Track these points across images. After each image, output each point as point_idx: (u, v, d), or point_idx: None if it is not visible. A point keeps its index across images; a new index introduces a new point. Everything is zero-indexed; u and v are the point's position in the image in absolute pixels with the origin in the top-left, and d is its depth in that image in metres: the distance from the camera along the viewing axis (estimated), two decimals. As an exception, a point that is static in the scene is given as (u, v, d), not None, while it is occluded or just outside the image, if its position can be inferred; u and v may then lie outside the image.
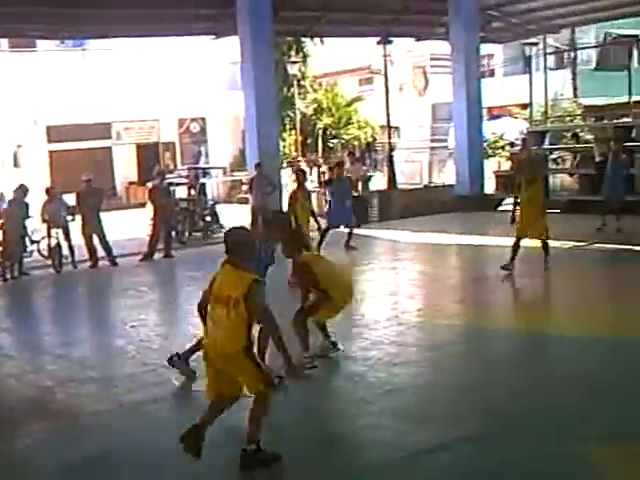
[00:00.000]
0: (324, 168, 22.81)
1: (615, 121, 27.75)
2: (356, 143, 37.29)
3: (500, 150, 31.97)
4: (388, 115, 25.36)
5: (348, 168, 22.02)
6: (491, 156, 31.15)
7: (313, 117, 37.18)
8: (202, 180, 23.46)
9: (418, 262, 15.55)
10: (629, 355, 8.17)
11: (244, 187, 27.27)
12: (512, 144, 28.69)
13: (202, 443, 5.71)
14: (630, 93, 25.80)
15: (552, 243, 13.18)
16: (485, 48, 32.82)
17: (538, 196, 12.55)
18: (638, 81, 26.55)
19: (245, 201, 23.04)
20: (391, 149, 26.79)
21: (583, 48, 37.90)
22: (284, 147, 33.43)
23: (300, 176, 15.92)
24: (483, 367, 8.23)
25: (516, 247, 12.48)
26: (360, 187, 21.84)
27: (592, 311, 10.16)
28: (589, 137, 27.51)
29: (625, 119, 27.16)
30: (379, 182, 28.74)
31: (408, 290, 12.81)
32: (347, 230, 16.70)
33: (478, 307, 11.04)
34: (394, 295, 12.30)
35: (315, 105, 37.62)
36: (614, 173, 16.68)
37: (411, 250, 16.93)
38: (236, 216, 22.68)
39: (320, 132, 36.82)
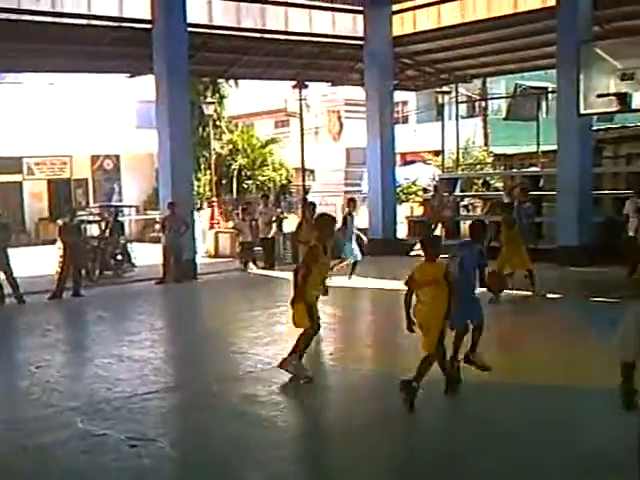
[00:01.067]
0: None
1: (524, 170, 28.60)
2: (271, 185, 37.41)
3: (413, 195, 32.51)
4: (303, 158, 25.56)
5: (261, 210, 22.05)
6: (404, 201, 31.64)
7: (228, 158, 37.21)
8: (119, 218, 23.12)
9: (330, 305, 15.49)
10: (517, 400, 8.30)
11: (157, 226, 27.00)
12: (425, 190, 29.21)
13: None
14: (538, 143, 26.59)
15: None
16: (399, 95, 33.49)
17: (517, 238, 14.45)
18: (546, 131, 27.37)
19: (158, 240, 22.79)
20: (305, 192, 26.95)
21: (494, 98, 39.01)
22: (198, 187, 33.30)
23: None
24: (391, 411, 8.24)
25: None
26: (274, 229, 21.84)
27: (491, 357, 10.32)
28: (499, 185, 28.24)
29: (533, 168, 27.99)
30: (293, 224, 28.82)
31: (320, 333, 12.77)
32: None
33: (389, 351, 11.10)
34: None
35: (230, 146, 37.68)
36: (520, 221, 17.02)
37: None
38: (148, 255, 22.50)
39: (235, 173, 36.84)
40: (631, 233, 16.44)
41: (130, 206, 31.63)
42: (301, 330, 9.44)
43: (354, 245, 17.87)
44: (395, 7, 23.26)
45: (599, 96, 15.86)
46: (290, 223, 29.34)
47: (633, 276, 15.43)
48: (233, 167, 36.97)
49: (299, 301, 9.23)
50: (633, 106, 15.97)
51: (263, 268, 21.20)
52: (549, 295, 14.74)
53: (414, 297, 8.09)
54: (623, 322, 4.50)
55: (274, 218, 22.08)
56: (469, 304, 8.52)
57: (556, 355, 10.24)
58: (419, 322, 8.05)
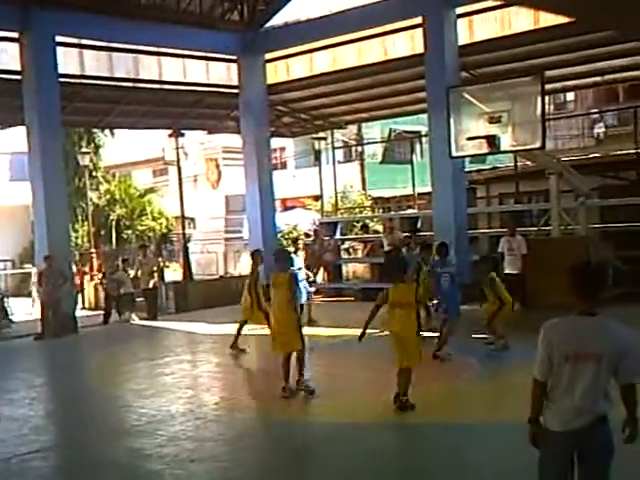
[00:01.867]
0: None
1: (401, 212, 29.22)
2: (151, 234, 37.02)
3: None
4: (182, 206, 25.42)
5: (141, 260, 21.80)
6: (285, 247, 31.77)
7: (106, 208, 36.71)
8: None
9: (215, 354, 15.46)
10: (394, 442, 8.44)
11: (33, 279, 26.28)
12: (306, 234, 29.44)
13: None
14: (414, 185, 27.17)
15: (346, 331, 13.53)
16: (277, 141, 33.79)
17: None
18: (421, 173, 28.07)
19: (33, 294, 22.21)
20: (186, 240, 26.81)
21: (369, 143, 39.79)
22: (76, 238, 32.66)
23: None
24: (279, 459, 8.25)
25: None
26: (155, 278, 21.60)
27: (374, 397, 10.45)
28: (378, 227, 28.75)
29: (410, 210, 28.62)
30: (175, 273, 28.59)
31: (205, 383, 12.69)
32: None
33: (276, 398, 11.08)
34: (190, 389, 12.11)
35: (108, 196, 37.19)
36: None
37: (208, 342, 16.82)
38: (26, 310, 21.88)
39: (113, 223, 36.33)
40: (507, 270, 16.95)
41: (5, 260, 30.70)
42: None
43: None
44: (268, 55, 23.52)
45: (469, 139, 16.44)
46: (172, 272, 29.13)
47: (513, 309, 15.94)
48: (111, 217, 36.48)
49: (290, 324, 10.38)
50: (502, 148, 16.60)
51: (145, 319, 20.90)
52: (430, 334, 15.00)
53: (389, 315, 9.25)
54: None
55: (155, 268, 21.85)
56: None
57: (457, 391, 10.45)
58: (395, 339, 9.19)
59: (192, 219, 38.57)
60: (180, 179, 25.67)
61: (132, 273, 22.24)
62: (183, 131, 25.96)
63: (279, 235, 28.58)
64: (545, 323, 4.79)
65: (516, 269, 17.04)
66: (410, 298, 9.11)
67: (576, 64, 21.52)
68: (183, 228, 26.35)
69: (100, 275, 26.75)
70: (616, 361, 4.51)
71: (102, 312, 22.40)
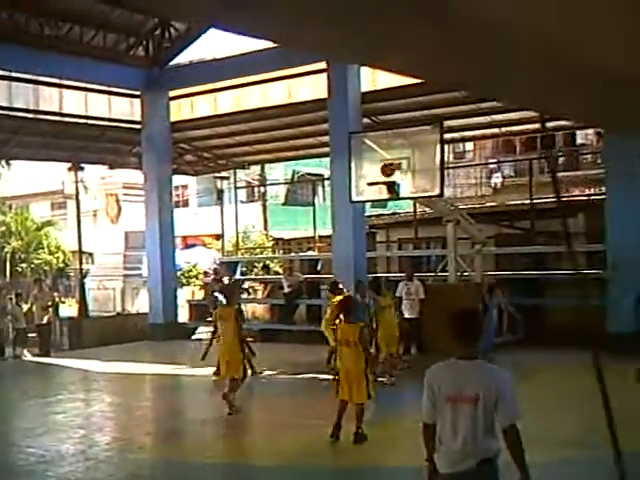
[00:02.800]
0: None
1: (302, 254, 29.36)
2: (47, 268, 36.24)
3: (194, 279, 32.48)
4: (80, 240, 25.02)
5: (35, 294, 21.32)
6: (185, 285, 31.55)
7: (1, 240, 35.79)
8: None
9: (109, 393, 15.23)
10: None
11: None
12: (205, 273, 29.31)
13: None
14: (315, 227, 27.39)
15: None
16: (179, 179, 33.67)
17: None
18: (323, 216, 28.31)
19: None
20: (83, 275, 26.36)
21: (272, 184, 39.98)
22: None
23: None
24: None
25: None
26: (50, 313, 21.11)
27: (284, 439, 10.47)
28: (279, 269, 28.83)
29: (311, 252, 28.81)
30: (71, 309, 28.03)
31: (97, 422, 12.47)
32: None
33: (171, 438, 10.98)
34: (83, 428, 11.88)
35: (3, 228, 36.31)
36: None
37: (102, 380, 16.54)
38: None
39: (8, 256, 35.45)
40: (406, 314, 17.22)
41: None
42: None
43: None
44: (173, 93, 23.49)
45: (370, 184, 16.71)
46: (68, 307, 28.53)
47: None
48: (6, 250, 35.58)
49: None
50: (401, 194, 16.91)
51: (38, 355, 20.39)
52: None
53: (338, 352, 10.11)
54: (510, 386, 4.83)
55: (50, 303, 21.38)
56: None
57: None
58: (344, 377, 9.77)
59: (90, 254, 37.95)
60: (79, 213, 25.29)
61: (25, 308, 21.72)
62: (83, 165, 25.59)
63: (179, 273, 28.37)
64: (428, 368, 4.95)
65: (414, 313, 17.35)
66: (355, 337, 9.74)
67: (475, 115, 22.19)
68: (80, 263, 25.90)
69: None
70: (493, 403, 4.66)
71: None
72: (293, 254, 31.88)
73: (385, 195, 16.96)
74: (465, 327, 4.90)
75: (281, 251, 35.10)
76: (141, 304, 29.55)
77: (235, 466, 9.44)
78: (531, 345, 16.81)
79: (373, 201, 23.33)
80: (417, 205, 22.88)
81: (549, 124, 21.87)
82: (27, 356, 20.46)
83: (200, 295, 27.80)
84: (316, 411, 11.82)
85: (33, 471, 9.17)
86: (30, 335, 21.21)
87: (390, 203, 31.96)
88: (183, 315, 24.87)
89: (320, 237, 27.99)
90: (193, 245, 38.62)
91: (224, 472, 9.29)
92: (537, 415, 10.99)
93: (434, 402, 4.82)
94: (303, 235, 33.90)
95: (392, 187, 16.40)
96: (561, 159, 36.21)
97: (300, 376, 15.41)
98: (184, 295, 27.90)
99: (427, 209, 21.75)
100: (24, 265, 35.87)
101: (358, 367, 9.67)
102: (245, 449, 10.43)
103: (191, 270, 33.32)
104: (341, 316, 10.24)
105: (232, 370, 11.47)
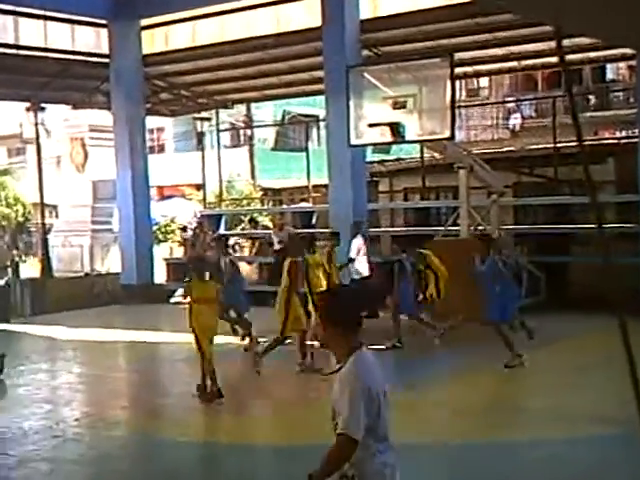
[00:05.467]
0: None
1: (294, 206, 29.37)
2: (5, 223, 36.22)
3: (172, 235, 32.50)
4: (42, 191, 24.95)
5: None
6: (162, 241, 31.57)
7: (-50, 192, 35.76)
8: None
9: (77, 363, 15.31)
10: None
11: None
12: (185, 228, 29.30)
13: None
14: (309, 176, 27.33)
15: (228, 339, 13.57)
16: (153, 121, 33.52)
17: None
18: (317, 163, 28.26)
19: None
20: (46, 231, 26.33)
21: (260, 126, 39.87)
22: None
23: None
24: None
25: None
26: (9, 274, 21.14)
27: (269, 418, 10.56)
28: (268, 223, 28.84)
29: (304, 204, 28.81)
30: (32, 269, 28.06)
31: (65, 396, 12.54)
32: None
33: (147, 413, 11.05)
34: (48, 402, 11.96)
35: (-48, 178, 36.24)
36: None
37: (70, 349, 16.60)
38: None
39: (-41, 210, 35.43)
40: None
41: None
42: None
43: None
44: (144, 22, 23.19)
45: (371, 125, 16.67)
46: (29, 267, 28.54)
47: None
48: (-44, 203, 35.54)
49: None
50: (407, 137, 16.88)
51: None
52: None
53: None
54: (348, 389, 4.16)
55: (8, 262, 21.42)
56: None
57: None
58: (201, 333, 10.98)
59: (54, 207, 37.86)
60: (39, 160, 25.19)
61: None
62: (44, 105, 25.41)
63: (154, 228, 28.37)
64: (356, 363, 4.27)
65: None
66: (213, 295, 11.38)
67: (491, 46, 22.04)
68: (42, 217, 25.85)
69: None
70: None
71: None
72: (284, 206, 31.93)
73: (388, 138, 16.93)
74: (354, 308, 4.43)
75: (270, 203, 35.10)
76: (112, 263, 29.58)
77: (217, 445, 9.52)
78: (554, 308, 16.89)
79: (375, 145, 23.25)
80: (425, 150, 22.83)
81: (574, 56, 21.75)
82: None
83: (179, 252, 27.84)
84: (309, 385, 11.92)
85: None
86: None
87: (394, 147, 31.92)
88: (160, 275, 24.92)
89: (315, 187, 27.96)
90: (170, 196, 38.60)
91: (205, 451, 9.37)
92: (560, 388, 11.14)
93: (378, 405, 4.22)
94: (295, 184, 33.91)
95: (396, 129, 16.36)
96: (589, 97, 36.12)
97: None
98: (161, 253, 27.92)
99: (436, 154, 21.71)
100: (-21, 220, 35.90)
101: (217, 325, 11.37)
102: (226, 426, 10.51)
103: (168, 225, 33.30)
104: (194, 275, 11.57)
105: (298, 324, 12.55)
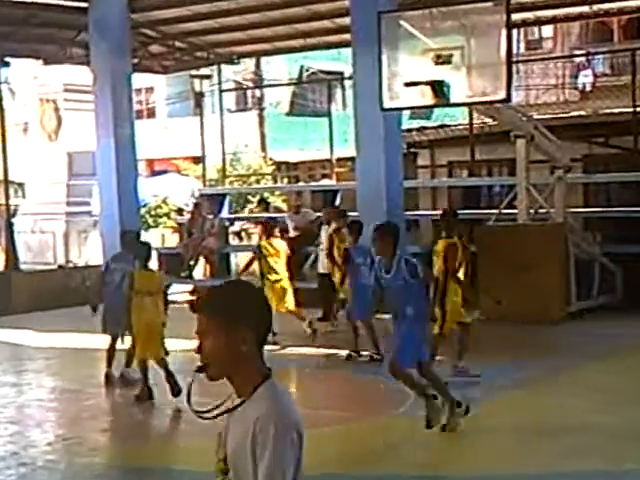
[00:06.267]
0: None
1: (314, 184, 29.33)
2: (-40, 204, 36.37)
3: (164, 218, 32.58)
4: (6, 165, 25.04)
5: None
6: (152, 227, 31.65)
7: None
8: None
9: (50, 375, 15.40)
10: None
11: None
12: (180, 211, 29.37)
13: None
14: (332, 147, 27.26)
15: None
16: (142, 79, 33.55)
17: None
18: (342, 131, 28.22)
19: None
20: (11, 214, 26.43)
21: (272, 86, 39.87)
22: None
23: None
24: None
25: None
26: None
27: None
28: (282, 204, 28.84)
29: (326, 181, 28.76)
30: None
31: (34, 415, 12.64)
32: None
33: (131, 436, 11.11)
34: (14, 423, 12.04)
35: None
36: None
37: (40, 358, 16.69)
38: None
39: None
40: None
41: None
42: None
43: None
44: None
45: (408, 85, 16.60)
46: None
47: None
48: None
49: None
50: (452, 99, 16.81)
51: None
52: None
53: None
54: (271, 449, 3.50)
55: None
56: None
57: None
58: (140, 329, 12.26)
59: (20, 184, 37.99)
60: (3, 127, 25.28)
61: None
62: (8, 59, 25.52)
63: (143, 210, 28.44)
64: (280, 405, 3.63)
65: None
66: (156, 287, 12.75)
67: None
68: (7, 197, 25.94)
69: None
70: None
71: None
72: (301, 183, 31.90)
73: (429, 100, 16.86)
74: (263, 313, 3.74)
75: (285, 179, 35.14)
76: (91, 253, 29.69)
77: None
78: (632, 311, 16.83)
79: (412, 108, 23.23)
80: (474, 114, 22.78)
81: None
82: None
83: (173, 240, 27.89)
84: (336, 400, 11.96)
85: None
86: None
87: (437, 112, 31.87)
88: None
89: (339, 160, 27.93)
90: (163, 172, 38.71)
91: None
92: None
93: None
94: (315, 157, 33.88)
95: (439, 89, 16.30)
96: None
97: (313, 350, 15.54)
98: (151, 241, 28.00)
99: (488, 120, 21.65)
100: None
101: (159, 319, 12.39)
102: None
103: (160, 206, 33.38)
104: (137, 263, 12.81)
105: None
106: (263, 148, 38.63)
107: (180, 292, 23.25)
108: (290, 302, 16.05)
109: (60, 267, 28.39)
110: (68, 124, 38.74)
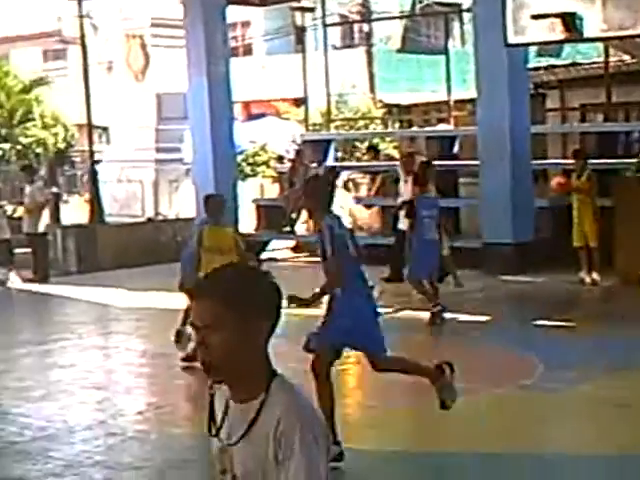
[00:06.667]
0: None
1: (429, 129, 29.17)
2: (40, 150, 36.91)
3: (263, 167, 32.70)
4: (89, 109, 25.27)
5: (25, 190, 21.77)
6: (249, 176, 31.79)
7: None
8: None
9: (140, 338, 15.56)
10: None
11: None
12: (280, 158, 29.44)
13: None
14: (449, 88, 27.11)
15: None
16: (237, 12, 33.59)
17: None
18: (460, 70, 28.03)
19: None
20: (95, 161, 26.73)
21: (381, 19, 39.62)
22: None
23: None
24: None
25: None
26: (47, 218, 21.52)
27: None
28: (393, 151, 28.76)
29: (443, 126, 28.60)
30: (78, 212, 28.58)
31: (122, 381, 12.82)
32: None
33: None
34: (100, 389, 12.24)
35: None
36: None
37: (129, 319, 16.93)
38: None
39: (-21, 132, 36.24)
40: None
41: None
42: None
43: None
44: None
45: (535, 17, 16.41)
46: (74, 209, 29.10)
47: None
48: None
49: None
50: (585, 33, 16.58)
51: (31, 281, 20.92)
52: (467, 317, 15.17)
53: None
54: (302, 443, 3.38)
55: (45, 202, 21.77)
56: None
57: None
58: None
59: (104, 129, 38.46)
60: (86, 66, 25.49)
61: (9, 210, 22.24)
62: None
63: (239, 158, 28.57)
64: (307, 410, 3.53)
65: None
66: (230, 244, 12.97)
67: None
68: (90, 143, 26.23)
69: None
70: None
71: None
72: (415, 128, 31.75)
73: (560, 35, 16.65)
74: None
75: (396, 124, 34.99)
76: (182, 205, 29.96)
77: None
78: None
79: (541, 44, 22.94)
80: (611, 51, 22.45)
81: None
82: (14, 282, 20.99)
83: (273, 191, 27.97)
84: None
85: (27, 451, 9.47)
86: (18, 251, 21.71)
87: (567, 48, 31.42)
88: (247, 222, 25.10)
89: (457, 102, 27.77)
90: (261, 115, 38.75)
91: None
92: None
93: None
94: (430, 99, 33.68)
95: (571, 21, 16.08)
96: None
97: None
98: (249, 192, 28.11)
99: (626, 57, 21.34)
100: (5, 146, 36.55)
101: None
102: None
103: (258, 154, 33.50)
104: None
105: None
106: (372, 89, 38.45)
107: (281, 248, 23.32)
108: None
109: (149, 220, 28.73)
110: (156, 62, 39.08)
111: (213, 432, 3.49)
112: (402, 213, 17.54)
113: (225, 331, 3.29)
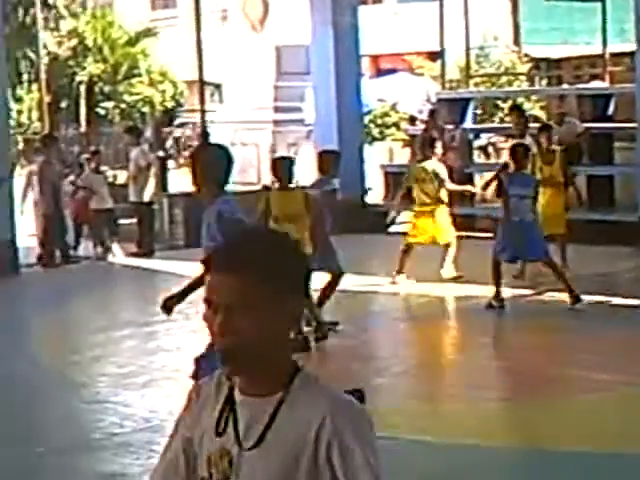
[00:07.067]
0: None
1: (581, 86, 28.86)
2: (147, 110, 37.27)
3: (393, 129, 32.67)
4: (201, 64, 25.44)
5: (132, 155, 21.93)
6: (377, 139, 31.78)
7: (71, 62, 36.94)
8: None
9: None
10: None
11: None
12: (413, 119, 29.38)
13: None
14: (605, 40, 26.78)
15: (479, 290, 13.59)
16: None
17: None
18: (617, 19, 27.59)
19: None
20: (206, 122, 26.91)
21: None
22: (19, 113, 33.04)
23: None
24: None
25: None
26: (153, 187, 21.69)
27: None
28: (539, 112, 28.52)
29: (597, 83, 28.27)
30: (186, 179, 28.84)
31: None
32: None
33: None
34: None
35: (75, 41, 37.39)
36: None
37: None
38: None
39: (83, 89, 36.59)
40: None
41: None
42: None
43: None
44: None
45: None
46: (182, 176, 29.31)
47: None
48: (79, 79, 36.71)
49: None
50: None
51: (135, 255, 21.12)
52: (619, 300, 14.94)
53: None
54: (361, 440, 3.12)
55: (152, 168, 21.94)
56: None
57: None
58: None
59: (217, 86, 38.70)
60: (198, 15, 25.66)
61: (110, 177, 22.45)
62: None
63: (367, 118, 28.54)
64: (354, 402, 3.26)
65: None
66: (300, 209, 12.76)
67: None
68: (202, 101, 26.44)
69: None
70: None
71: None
72: (565, 86, 31.43)
73: None
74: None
75: (544, 81, 34.68)
76: (303, 171, 30.03)
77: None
78: None
79: None
80: None
81: None
82: (117, 255, 21.22)
83: (403, 156, 27.91)
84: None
85: (131, 442, 9.58)
86: (122, 222, 21.92)
87: None
88: (375, 191, 25.06)
89: (613, 56, 27.43)
90: (392, 70, 38.69)
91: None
92: None
93: None
94: (583, 53, 33.31)
95: None
96: None
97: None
98: (377, 156, 28.08)
99: None
100: (108, 105, 36.95)
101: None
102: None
103: (388, 114, 33.47)
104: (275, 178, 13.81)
105: None
106: (516, 41, 38.22)
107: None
108: None
109: (265, 187, 28.81)
110: (276, 11, 39.13)
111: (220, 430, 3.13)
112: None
113: (257, 311, 2.98)
